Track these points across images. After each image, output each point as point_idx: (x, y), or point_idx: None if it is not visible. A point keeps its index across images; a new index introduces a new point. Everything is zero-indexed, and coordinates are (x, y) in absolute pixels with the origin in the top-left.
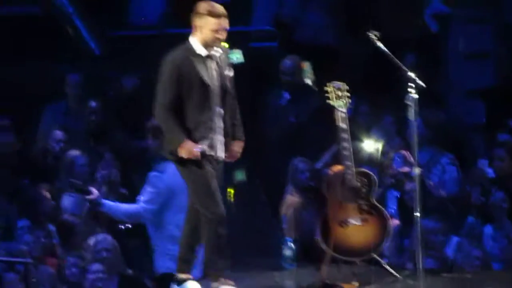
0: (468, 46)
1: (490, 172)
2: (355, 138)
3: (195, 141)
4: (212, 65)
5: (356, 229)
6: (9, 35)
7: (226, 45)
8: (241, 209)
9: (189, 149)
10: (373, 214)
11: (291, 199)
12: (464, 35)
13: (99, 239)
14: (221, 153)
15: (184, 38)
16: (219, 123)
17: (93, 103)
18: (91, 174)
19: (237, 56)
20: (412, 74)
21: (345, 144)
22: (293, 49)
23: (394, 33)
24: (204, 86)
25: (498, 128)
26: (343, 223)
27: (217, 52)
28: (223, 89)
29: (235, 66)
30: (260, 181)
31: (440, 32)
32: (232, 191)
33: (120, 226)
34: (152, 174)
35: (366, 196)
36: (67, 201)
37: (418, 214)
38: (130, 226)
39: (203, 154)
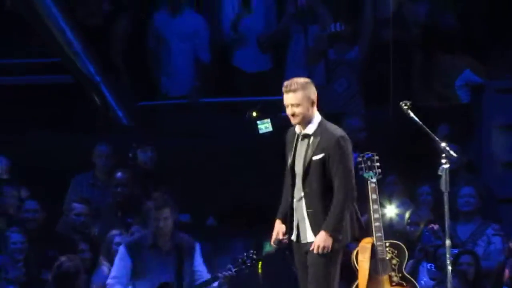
0: (502, 117)
1: None
2: (381, 203)
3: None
4: (303, 145)
5: None
6: (36, 104)
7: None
8: (269, 282)
9: (274, 232)
10: (405, 286)
11: None
12: (498, 105)
13: None
14: (303, 238)
15: (216, 108)
16: (299, 208)
17: (119, 174)
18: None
19: (266, 125)
20: (444, 144)
21: (376, 215)
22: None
23: (425, 103)
24: (289, 166)
25: None
26: None
27: (309, 131)
28: (305, 172)
29: (264, 136)
30: (289, 253)
31: (473, 103)
32: (260, 263)
33: None
34: None
35: (397, 268)
36: (100, 273)
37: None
38: None
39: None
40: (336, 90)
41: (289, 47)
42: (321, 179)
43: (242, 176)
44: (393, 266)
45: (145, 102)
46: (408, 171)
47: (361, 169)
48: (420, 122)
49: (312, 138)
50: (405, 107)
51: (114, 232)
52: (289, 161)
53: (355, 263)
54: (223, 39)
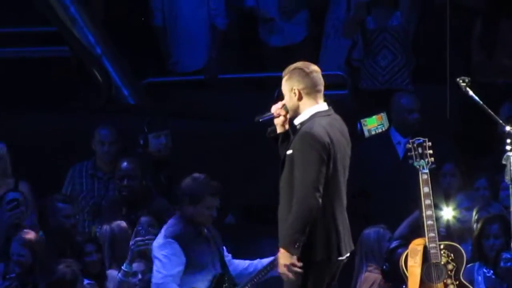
0: None
1: None
2: (436, 204)
3: None
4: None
5: None
6: (27, 81)
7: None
8: None
9: None
10: None
11: (373, 277)
12: None
13: None
14: None
15: (238, 85)
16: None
17: (125, 164)
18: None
19: None
20: (509, 128)
21: (428, 212)
22: (365, 96)
23: (487, 79)
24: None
25: None
26: None
27: (295, 122)
28: (281, 167)
29: None
30: None
31: None
32: None
33: None
34: None
35: (454, 274)
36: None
37: None
38: None
39: None
40: (379, 63)
41: (329, 12)
42: (290, 178)
43: (271, 164)
44: (449, 272)
45: (153, 78)
46: (465, 160)
47: (411, 157)
48: (481, 102)
49: (297, 130)
50: (463, 84)
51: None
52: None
53: (404, 268)
54: (244, 3)
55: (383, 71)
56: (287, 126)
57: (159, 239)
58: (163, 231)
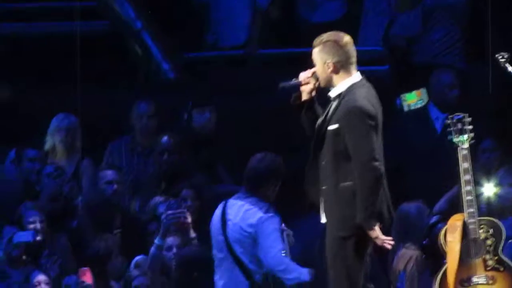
0: None
1: None
2: (477, 180)
3: None
4: (328, 110)
5: None
6: (64, 57)
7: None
8: None
9: None
10: (502, 271)
11: (410, 253)
12: None
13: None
14: (323, 219)
15: (280, 60)
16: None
17: (165, 139)
18: None
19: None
20: None
21: (468, 188)
22: (407, 72)
23: None
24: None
25: None
26: (466, 282)
27: (332, 94)
28: (320, 142)
29: None
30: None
31: None
32: None
33: None
34: None
35: (493, 249)
36: (142, 258)
37: None
38: None
39: None
40: (430, 38)
41: None
42: (334, 153)
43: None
44: (487, 248)
45: (193, 53)
46: (506, 136)
47: (450, 133)
48: None
49: (334, 103)
50: (503, 60)
51: (158, 199)
52: (315, 127)
53: (443, 244)
54: None
55: (433, 45)
56: (313, 94)
57: (259, 214)
58: (256, 209)
